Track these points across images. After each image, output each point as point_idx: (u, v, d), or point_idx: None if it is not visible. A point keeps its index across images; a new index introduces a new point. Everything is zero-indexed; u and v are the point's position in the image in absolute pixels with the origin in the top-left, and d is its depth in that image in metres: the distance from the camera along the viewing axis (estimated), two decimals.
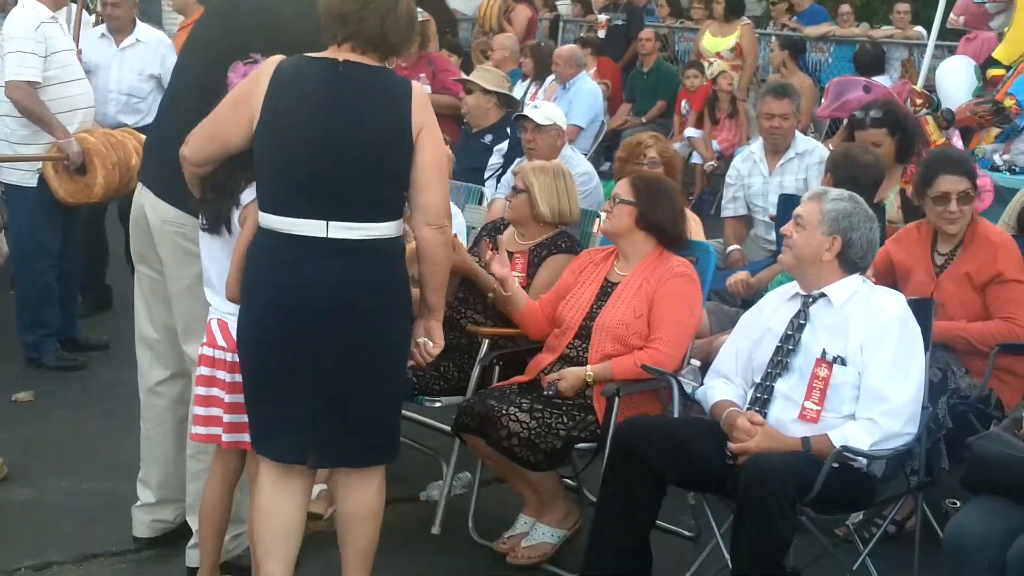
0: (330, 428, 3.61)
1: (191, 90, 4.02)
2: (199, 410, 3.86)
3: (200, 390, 3.85)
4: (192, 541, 4.25)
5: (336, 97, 3.54)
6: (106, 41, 7.44)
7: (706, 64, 11.35)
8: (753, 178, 6.61)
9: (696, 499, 4.22)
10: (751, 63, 11.40)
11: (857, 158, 5.29)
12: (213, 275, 3.84)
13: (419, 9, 7.75)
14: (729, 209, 6.67)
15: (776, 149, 6.56)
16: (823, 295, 4.03)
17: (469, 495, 4.85)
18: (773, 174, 6.50)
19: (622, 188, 4.62)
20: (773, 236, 6.32)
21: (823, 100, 9.52)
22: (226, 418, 3.80)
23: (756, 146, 6.80)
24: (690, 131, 11.05)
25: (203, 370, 3.84)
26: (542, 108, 6.46)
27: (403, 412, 5.06)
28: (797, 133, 6.71)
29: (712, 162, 10.85)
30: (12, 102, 6.19)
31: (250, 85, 3.61)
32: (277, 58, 3.63)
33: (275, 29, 3.92)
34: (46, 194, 6.30)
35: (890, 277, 4.87)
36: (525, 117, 6.28)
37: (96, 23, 7.97)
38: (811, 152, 6.51)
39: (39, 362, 6.52)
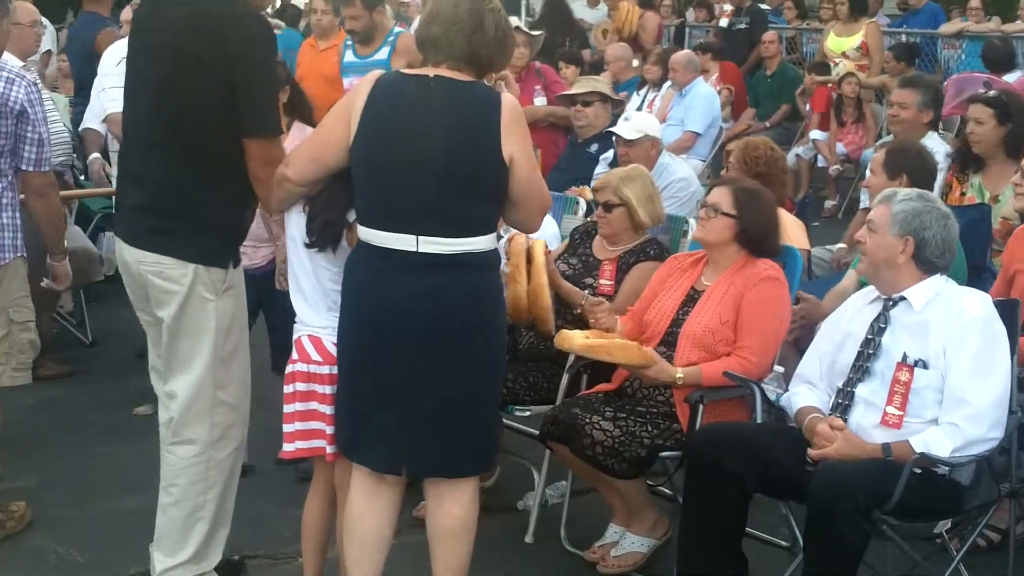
0: (424, 438, 3.66)
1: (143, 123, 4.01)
2: (297, 425, 3.90)
3: (297, 406, 3.89)
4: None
5: (427, 113, 3.58)
6: None
7: (832, 65, 11.18)
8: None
9: (787, 508, 4.18)
10: (878, 62, 11.16)
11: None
12: (308, 289, 3.88)
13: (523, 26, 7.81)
14: (865, 202, 6.57)
15: None
16: (903, 298, 3.96)
17: (563, 504, 4.86)
18: None
19: (723, 199, 4.51)
20: None
21: (944, 98, 9.30)
22: (329, 430, 3.84)
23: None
24: (815, 134, 10.89)
25: (299, 386, 3.88)
26: (632, 121, 6.44)
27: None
28: (930, 133, 6.53)
29: (837, 166, 10.67)
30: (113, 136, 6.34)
31: (349, 102, 3.69)
32: (376, 73, 3.72)
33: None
34: None
35: None
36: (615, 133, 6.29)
37: None
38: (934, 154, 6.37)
39: None
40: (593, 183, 6.89)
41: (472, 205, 3.60)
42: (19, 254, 4.83)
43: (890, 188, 4.33)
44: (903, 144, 5.45)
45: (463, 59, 3.66)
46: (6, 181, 4.76)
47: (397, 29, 8.14)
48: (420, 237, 3.55)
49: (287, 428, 3.91)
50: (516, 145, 3.59)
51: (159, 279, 3.95)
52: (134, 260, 4.00)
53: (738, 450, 3.92)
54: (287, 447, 3.93)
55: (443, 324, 3.58)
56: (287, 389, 3.91)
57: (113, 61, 6.18)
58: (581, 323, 4.81)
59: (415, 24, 10.37)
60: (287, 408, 3.91)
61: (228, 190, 3.96)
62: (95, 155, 7.71)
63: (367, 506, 3.76)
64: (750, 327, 4.38)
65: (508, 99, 3.64)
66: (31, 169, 4.76)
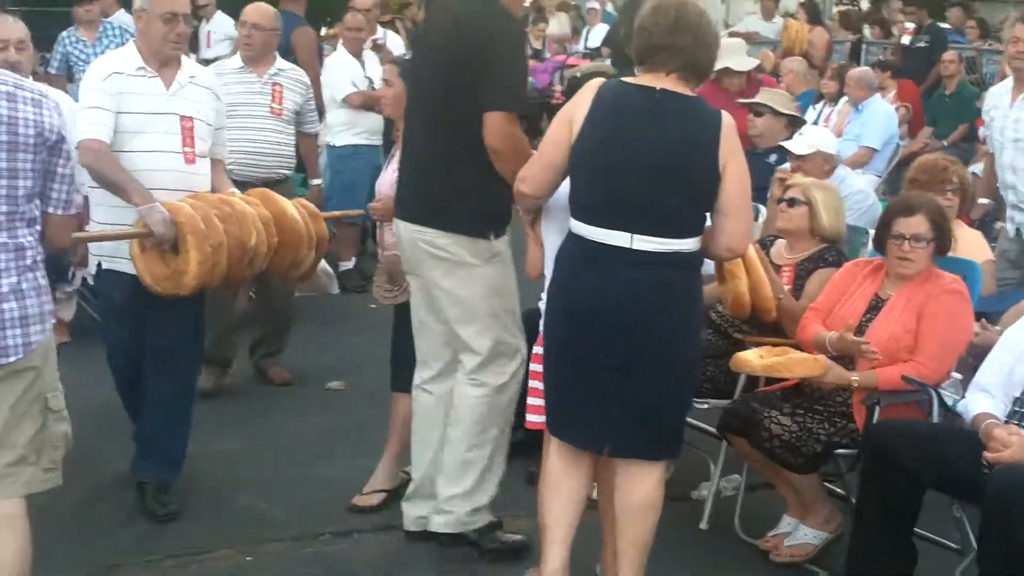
0: (627, 423, 3.95)
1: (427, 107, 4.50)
2: (535, 400, 4.35)
3: (536, 383, 4.33)
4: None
5: (652, 122, 3.87)
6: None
7: None
8: (997, 111, 6.63)
9: (959, 511, 4.32)
10: None
11: None
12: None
13: None
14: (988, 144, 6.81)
15: (1020, 78, 6.53)
16: None
17: (737, 496, 5.07)
18: (1013, 107, 6.49)
19: (922, 227, 4.63)
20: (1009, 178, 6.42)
21: None
22: (535, 402, 4.34)
23: (1011, 78, 6.74)
24: None
25: (536, 367, 4.32)
26: (805, 136, 6.50)
27: None
28: None
29: None
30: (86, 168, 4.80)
31: (571, 108, 3.99)
32: (598, 81, 4.02)
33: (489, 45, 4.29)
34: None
35: None
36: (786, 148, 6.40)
37: None
38: None
39: None
40: (769, 191, 7.07)
41: (686, 209, 3.88)
42: (53, 320, 3.76)
43: None
44: None
45: (696, 71, 3.93)
46: (35, 231, 3.66)
47: None
48: (635, 235, 3.84)
49: (532, 402, 4.39)
50: (732, 158, 3.86)
51: (431, 247, 4.44)
52: (409, 233, 4.50)
53: (915, 445, 4.09)
54: (531, 418, 4.43)
55: (651, 317, 3.86)
56: (534, 367, 4.38)
57: (100, 76, 4.87)
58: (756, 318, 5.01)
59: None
60: (532, 383, 4.41)
61: (481, 168, 4.35)
62: None
63: (567, 469, 4.07)
64: (930, 336, 4.52)
65: (727, 116, 3.91)
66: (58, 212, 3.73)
